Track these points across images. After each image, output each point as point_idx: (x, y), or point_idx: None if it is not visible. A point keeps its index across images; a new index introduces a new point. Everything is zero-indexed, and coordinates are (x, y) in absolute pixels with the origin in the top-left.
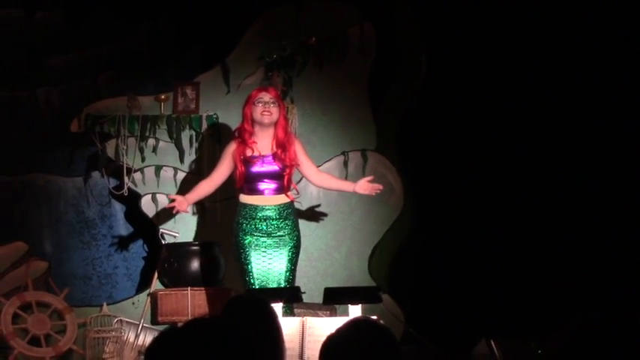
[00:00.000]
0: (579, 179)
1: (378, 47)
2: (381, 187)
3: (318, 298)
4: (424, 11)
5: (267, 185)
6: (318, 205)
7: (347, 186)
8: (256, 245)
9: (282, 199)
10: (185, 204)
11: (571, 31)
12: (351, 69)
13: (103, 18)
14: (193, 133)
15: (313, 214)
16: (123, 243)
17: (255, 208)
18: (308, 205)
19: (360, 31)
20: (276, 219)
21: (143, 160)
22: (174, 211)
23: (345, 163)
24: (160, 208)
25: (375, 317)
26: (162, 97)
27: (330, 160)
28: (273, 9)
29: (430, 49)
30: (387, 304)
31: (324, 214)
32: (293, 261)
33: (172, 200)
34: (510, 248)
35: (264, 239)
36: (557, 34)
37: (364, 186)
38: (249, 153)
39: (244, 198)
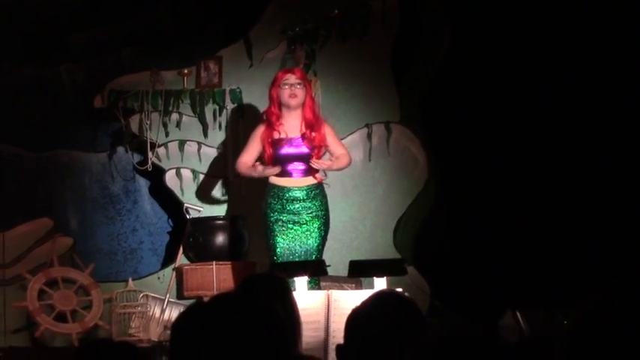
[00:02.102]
0: (608, 152)
1: (400, 19)
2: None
3: (343, 271)
4: None
5: (295, 167)
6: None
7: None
8: (284, 225)
9: (311, 180)
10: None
11: (600, 7)
12: (374, 41)
13: None
14: (217, 107)
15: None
16: (147, 218)
17: (283, 189)
18: (332, 179)
19: (383, 3)
20: (304, 200)
21: (167, 134)
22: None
23: (369, 136)
24: (184, 182)
25: (400, 289)
26: (185, 71)
27: (354, 132)
28: None
29: (453, 21)
30: (412, 276)
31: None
32: (320, 241)
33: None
34: (536, 219)
35: (292, 217)
36: (586, 7)
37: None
38: (276, 135)
39: (273, 179)
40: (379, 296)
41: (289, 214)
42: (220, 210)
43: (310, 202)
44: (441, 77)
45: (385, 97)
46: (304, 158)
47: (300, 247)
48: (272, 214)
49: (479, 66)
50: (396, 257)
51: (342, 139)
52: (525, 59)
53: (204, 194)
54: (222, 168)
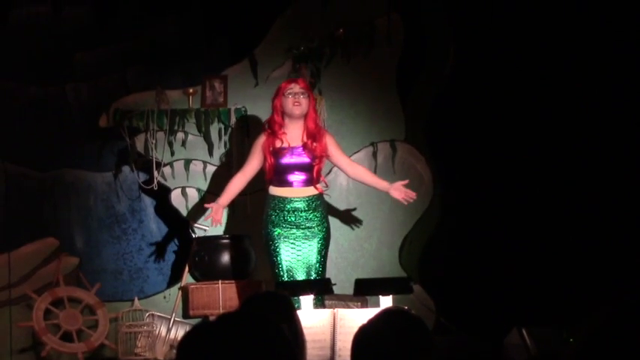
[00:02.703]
0: (611, 167)
1: (405, 37)
2: (414, 195)
3: (349, 290)
4: (452, 0)
5: (296, 177)
6: (354, 209)
7: (381, 184)
8: (285, 237)
9: (311, 190)
10: (220, 211)
11: (605, 22)
12: (379, 60)
13: (130, 12)
14: (222, 126)
15: (344, 210)
16: (153, 237)
17: (284, 199)
18: (338, 195)
19: (388, 22)
20: (305, 210)
21: (172, 154)
22: (214, 224)
23: (374, 154)
24: (189, 201)
25: (405, 307)
26: (191, 90)
27: (359, 151)
28: (300, 0)
29: (458, 39)
30: (418, 294)
31: (354, 209)
32: (322, 252)
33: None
34: (541, 236)
35: (294, 231)
36: (589, 22)
37: (399, 189)
38: (278, 144)
39: (273, 190)
40: (386, 314)
41: (290, 225)
42: (226, 229)
43: (311, 212)
44: (445, 95)
45: (390, 115)
46: (305, 168)
47: (302, 258)
48: (273, 228)
49: (484, 84)
50: (402, 275)
51: None
52: (530, 77)
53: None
54: None
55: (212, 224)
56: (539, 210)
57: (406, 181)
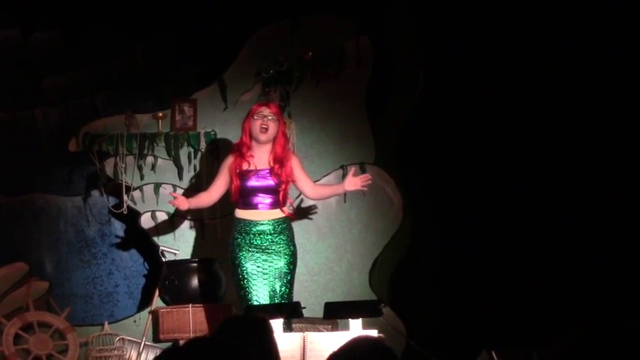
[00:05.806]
0: (581, 193)
1: (375, 61)
2: (369, 176)
3: (320, 313)
4: (421, 24)
5: (262, 200)
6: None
7: (337, 188)
8: (251, 260)
9: (277, 213)
10: (186, 204)
11: (570, 46)
12: (349, 83)
13: (99, 37)
14: (191, 150)
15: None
16: (123, 261)
17: (249, 223)
18: (307, 219)
19: (356, 45)
20: (270, 234)
21: (142, 178)
22: (175, 205)
23: (344, 177)
24: (159, 225)
25: (375, 331)
26: (160, 114)
27: (329, 174)
28: (269, 25)
29: (427, 62)
30: (388, 317)
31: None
32: (289, 276)
33: (174, 199)
34: (511, 259)
35: (259, 254)
36: (556, 47)
37: (352, 181)
38: (245, 167)
39: (239, 213)
40: (357, 342)
41: (256, 249)
42: (196, 252)
43: (277, 235)
44: (415, 118)
45: (360, 138)
46: (271, 191)
47: (268, 282)
48: (240, 252)
49: (453, 107)
50: (372, 298)
51: (316, 180)
52: (499, 100)
53: (179, 237)
54: (198, 210)
55: (171, 203)
56: (509, 232)
57: (353, 169)
